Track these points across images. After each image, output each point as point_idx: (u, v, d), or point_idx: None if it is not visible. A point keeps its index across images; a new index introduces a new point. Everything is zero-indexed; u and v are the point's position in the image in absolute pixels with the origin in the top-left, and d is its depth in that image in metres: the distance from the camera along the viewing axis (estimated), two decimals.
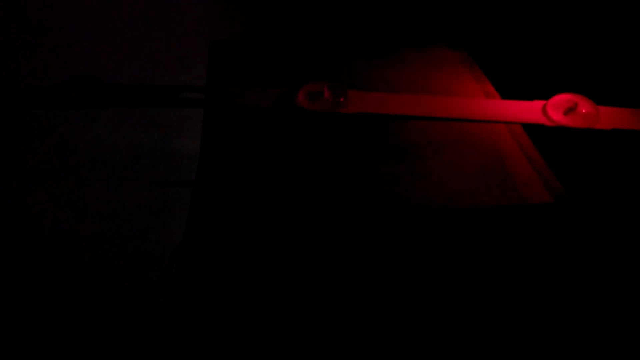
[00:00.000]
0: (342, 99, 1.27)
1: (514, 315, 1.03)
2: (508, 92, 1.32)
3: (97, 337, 1.72)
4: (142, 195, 1.85)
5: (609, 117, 1.22)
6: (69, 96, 1.25)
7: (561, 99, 1.24)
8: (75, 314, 1.75)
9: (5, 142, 1.83)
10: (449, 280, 1.04)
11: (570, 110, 1.24)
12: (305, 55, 1.44)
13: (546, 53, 1.57)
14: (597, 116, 1.21)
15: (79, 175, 1.86)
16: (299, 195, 1.05)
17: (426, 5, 1.66)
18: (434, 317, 1.02)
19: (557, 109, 1.24)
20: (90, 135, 1.84)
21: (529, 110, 1.25)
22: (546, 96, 1.29)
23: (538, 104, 1.25)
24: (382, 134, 1.20)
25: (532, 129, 1.22)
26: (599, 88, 1.30)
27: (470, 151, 1.15)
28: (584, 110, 1.23)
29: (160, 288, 1.29)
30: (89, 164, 1.86)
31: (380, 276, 1.04)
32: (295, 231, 1.02)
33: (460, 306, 1.04)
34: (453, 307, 1.04)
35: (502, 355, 1.01)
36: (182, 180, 1.52)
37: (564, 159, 1.23)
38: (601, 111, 1.22)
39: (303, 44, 1.49)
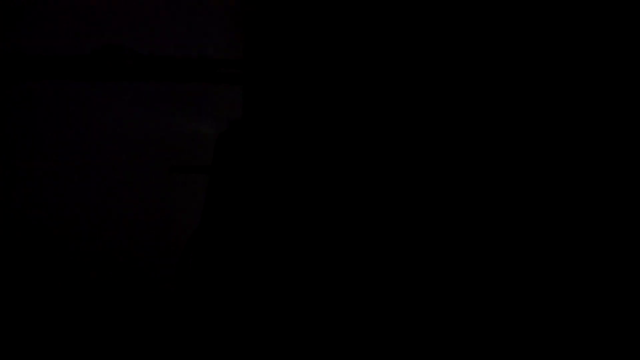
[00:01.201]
0: None
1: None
2: None
3: (107, 323, 1.71)
4: (157, 180, 1.81)
5: None
6: (100, 66, 1.21)
7: None
8: (85, 300, 1.74)
9: (21, 117, 1.81)
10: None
11: None
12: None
13: None
14: None
15: (94, 157, 1.84)
16: (312, 189, 1.04)
17: None
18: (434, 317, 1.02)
19: None
20: (106, 118, 1.80)
21: None
22: None
23: None
24: None
25: None
26: None
27: None
28: None
29: (174, 275, 1.28)
30: (103, 147, 1.84)
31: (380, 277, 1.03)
32: (308, 224, 1.02)
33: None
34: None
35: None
36: (198, 165, 1.52)
37: None
38: None
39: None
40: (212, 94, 1.29)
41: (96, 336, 1.68)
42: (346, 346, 0.97)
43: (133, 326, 1.69)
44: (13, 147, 1.81)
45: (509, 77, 1.17)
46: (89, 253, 1.78)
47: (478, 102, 1.16)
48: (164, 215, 1.78)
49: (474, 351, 0.99)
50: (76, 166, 1.82)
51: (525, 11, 1.16)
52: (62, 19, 1.66)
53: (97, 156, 1.83)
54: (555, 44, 1.17)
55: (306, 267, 0.99)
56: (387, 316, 0.98)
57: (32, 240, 1.79)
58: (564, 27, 1.16)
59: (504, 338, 1.00)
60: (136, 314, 1.70)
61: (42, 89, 1.58)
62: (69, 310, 1.72)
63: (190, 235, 1.24)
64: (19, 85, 1.54)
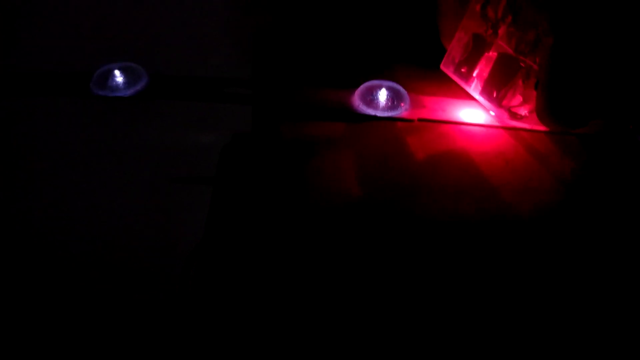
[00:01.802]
0: (402, 104, 1.26)
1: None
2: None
3: (107, 334, 1.70)
4: (160, 191, 1.82)
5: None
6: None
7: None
8: (86, 311, 1.73)
9: (22, 129, 1.80)
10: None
11: None
12: (354, 53, 1.40)
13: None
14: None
15: (94, 168, 1.82)
16: (313, 199, 1.06)
17: None
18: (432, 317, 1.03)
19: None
20: (105, 129, 1.79)
21: None
22: None
23: None
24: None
25: None
26: None
27: None
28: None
29: (176, 287, 1.27)
30: (104, 157, 1.83)
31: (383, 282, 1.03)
32: (310, 232, 1.02)
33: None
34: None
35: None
36: (201, 176, 1.50)
37: None
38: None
39: (348, 41, 1.44)
40: (213, 104, 1.29)
41: (93, 347, 1.68)
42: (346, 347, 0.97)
43: (134, 338, 1.69)
44: (10, 154, 1.81)
45: None
46: (88, 265, 1.77)
47: None
48: (165, 227, 1.79)
49: (474, 351, 0.99)
50: (74, 179, 1.82)
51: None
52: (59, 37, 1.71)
53: (96, 167, 1.82)
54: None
55: (311, 280, 1.01)
56: (387, 316, 0.99)
57: (28, 251, 1.78)
58: None
59: (505, 338, 1.01)
60: (137, 327, 1.70)
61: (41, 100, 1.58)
62: (66, 320, 1.72)
63: (193, 248, 1.25)
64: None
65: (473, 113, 1.28)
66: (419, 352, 0.97)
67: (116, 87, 1.24)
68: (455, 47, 1.27)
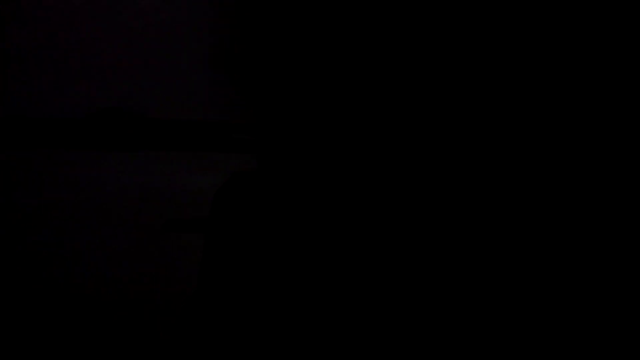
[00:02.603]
0: None
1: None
2: None
3: None
4: (150, 238, 1.73)
5: None
6: (96, 133, 1.07)
7: None
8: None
9: (8, 182, 1.76)
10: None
11: None
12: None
13: None
14: None
15: (82, 218, 1.76)
16: (309, 243, 1.02)
17: None
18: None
19: None
20: (92, 176, 1.74)
21: None
22: None
23: None
24: None
25: None
26: None
27: None
28: None
29: (173, 339, 1.20)
30: (93, 207, 1.76)
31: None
32: (304, 278, 0.99)
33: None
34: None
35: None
36: (191, 219, 1.41)
37: None
38: None
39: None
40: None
41: None
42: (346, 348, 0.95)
43: None
44: None
45: (508, 78, 1.17)
46: (80, 313, 1.71)
47: (476, 102, 1.15)
48: (158, 274, 1.71)
49: (473, 351, 0.99)
50: (64, 228, 1.76)
51: (524, 11, 1.16)
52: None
53: (85, 213, 1.76)
54: (555, 44, 1.18)
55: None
56: (387, 317, 0.98)
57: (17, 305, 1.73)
58: (564, 27, 1.17)
59: (504, 338, 1.00)
60: None
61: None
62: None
63: (187, 302, 1.19)
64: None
65: None
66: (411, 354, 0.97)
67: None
68: None
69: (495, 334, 0.99)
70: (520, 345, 0.99)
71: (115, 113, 1.15)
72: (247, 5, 1.57)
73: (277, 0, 1.14)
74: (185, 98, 1.67)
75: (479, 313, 1.00)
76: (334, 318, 0.97)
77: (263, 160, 1.11)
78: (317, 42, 1.12)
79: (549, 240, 1.09)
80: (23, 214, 1.77)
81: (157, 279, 1.69)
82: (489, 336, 0.99)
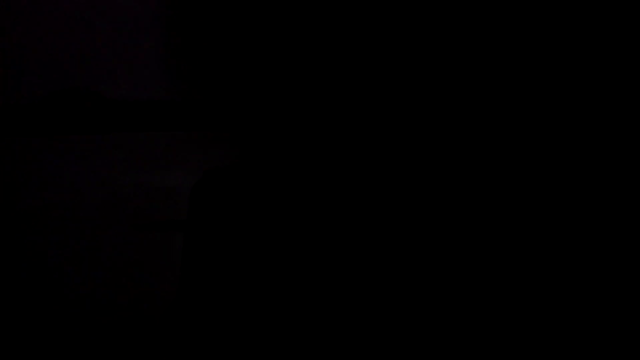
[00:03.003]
0: None
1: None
2: None
3: None
4: (126, 239, 1.67)
5: None
6: (58, 115, 1.06)
7: None
8: None
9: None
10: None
11: None
12: None
13: None
14: None
15: (55, 221, 1.69)
16: (293, 245, 0.99)
17: None
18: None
19: None
20: (59, 171, 1.64)
21: None
22: None
23: None
24: None
25: None
26: None
27: None
28: None
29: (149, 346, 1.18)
30: (64, 208, 1.69)
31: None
32: (292, 282, 0.96)
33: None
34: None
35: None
36: (167, 220, 1.42)
37: None
38: None
39: None
40: (176, 143, 1.18)
41: None
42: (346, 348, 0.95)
43: None
44: None
45: (508, 78, 1.17)
46: (56, 318, 1.61)
47: (476, 102, 1.15)
48: (133, 279, 1.62)
49: (473, 351, 0.99)
50: (36, 230, 1.68)
51: (524, 11, 1.18)
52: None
53: (52, 215, 1.70)
54: (555, 43, 1.19)
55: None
56: (387, 317, 0.97)
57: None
58: (564, 27, 1.19)
59: (504, 338, 1.00)
60: None
61: None
62: None
63: (168, 309, 1.17)
64: None
65: None
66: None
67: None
68: None
69: (495, 334, 1.00)
70: (520, 345, 1.00)
71: (73, 94, 1.13)
72: None
73: None
74: (138, 78, 1.59)
75: (479, 313, 1.01)
76: (316, 314, 0.97)
77: (247, 154, 1.16)
78: (311, 39, 1.17)
79: (549, 240, 1.10)
80: None
81: (135, 280, 1.61)
82: (489, 336, 0.99)
